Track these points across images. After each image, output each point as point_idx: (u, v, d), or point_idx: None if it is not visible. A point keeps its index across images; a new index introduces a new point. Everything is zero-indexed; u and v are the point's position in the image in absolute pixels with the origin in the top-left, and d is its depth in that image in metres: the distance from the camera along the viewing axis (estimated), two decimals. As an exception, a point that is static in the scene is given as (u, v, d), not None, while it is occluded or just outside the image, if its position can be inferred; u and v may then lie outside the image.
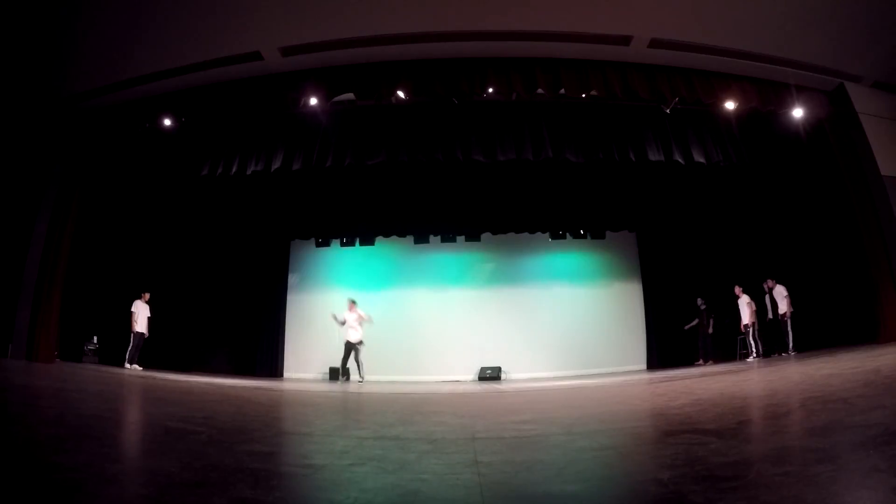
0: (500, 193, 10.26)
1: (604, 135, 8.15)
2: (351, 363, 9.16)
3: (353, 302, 9.28)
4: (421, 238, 11.49)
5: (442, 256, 11.54)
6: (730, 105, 7.72)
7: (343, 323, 9.06)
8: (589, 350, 10.65)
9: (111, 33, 6.59)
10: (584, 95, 7.84)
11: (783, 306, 8.66)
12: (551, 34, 6.91)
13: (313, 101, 7.61)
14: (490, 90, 7.60)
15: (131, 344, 8.51)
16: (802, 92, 7.77)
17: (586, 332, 10.86)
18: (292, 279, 11.70)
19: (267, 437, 2.69)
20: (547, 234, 11.36)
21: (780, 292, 8.77)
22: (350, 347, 8.99)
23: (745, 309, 9.16)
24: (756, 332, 9.20)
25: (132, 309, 8.72)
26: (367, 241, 11.51)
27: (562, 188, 10.20)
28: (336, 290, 11.59)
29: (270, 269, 11.53)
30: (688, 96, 7.60)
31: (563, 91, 7.53)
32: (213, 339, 10.94)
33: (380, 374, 10.31)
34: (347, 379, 9.49)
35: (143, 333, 8.65)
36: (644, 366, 10.70)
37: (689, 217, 10.71)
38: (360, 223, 10.93)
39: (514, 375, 10.40)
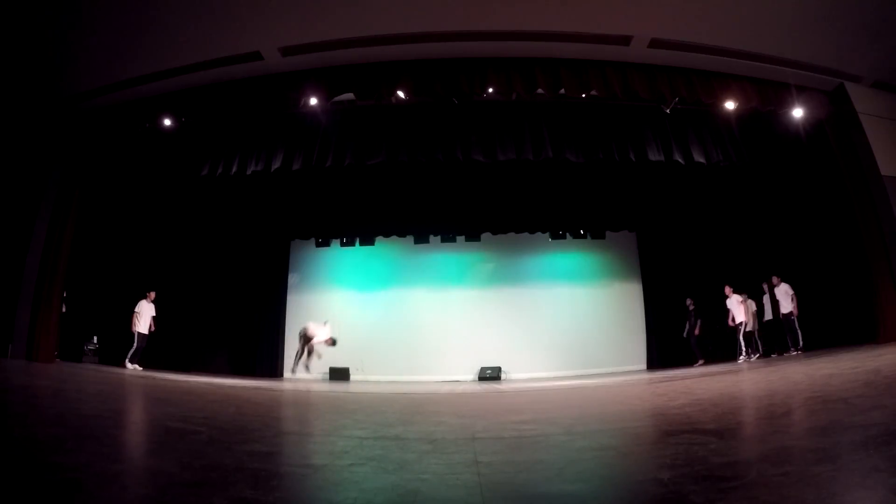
0: (500, 193, 10.26)
1: (604, 135, 8.15)
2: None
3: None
4: (421, 238, 11.49)
5: (442, 256, 11.54)
6: (730, 105, 7.72)
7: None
8: (589, 350, 10.65)
9: (111, 33, 6.58)
10: (584, 95, 7.83)
11: (788, 305, 8.60)
12: (551, 34, 6.91)
13: (313, 101, 7.61)
14: (490, 90, 7.59)
15: (135, 344, 8.47)
16: (802, 92, 7.77)
17: (586, 332, 10.86)
18: (292, 279, 11.70)
19: (267, 437, 2.69)
20: (547, 234, 11.36)
21: (785, 291, 8.70)
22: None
23: (737, 308, 9.14)
24: (757, 333, 9.19)
25: (136, 309, 8.68)
26: (367, 241, 11.51)
27: (562, 188, 10.20)
28: (336, 290, 11.61)
29: (270, 269, 11.52)
30: (688, 96, 7.60)
31: (563, 91, 7.52)
32: (213, 339, 10.93)
33: (380, 374, 10.32)
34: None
35: (144, 334, 8.61)
36: (644, 366, 10.70)
37: (689, 217, 10.71)
38: (360, 223, 10.94)
39: (514, 375, 10.40)
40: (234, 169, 8.18)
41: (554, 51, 7.23)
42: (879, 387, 3.11)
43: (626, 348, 10.86)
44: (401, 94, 7.50)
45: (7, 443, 2.01)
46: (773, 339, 9.20)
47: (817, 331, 8.48)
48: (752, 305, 9.33)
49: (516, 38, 6.97)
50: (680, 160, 8.08)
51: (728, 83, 7.66)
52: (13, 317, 7.18)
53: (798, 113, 7.88)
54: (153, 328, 8.76)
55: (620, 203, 10.61)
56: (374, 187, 10.07)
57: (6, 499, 1.34)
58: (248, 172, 8.16)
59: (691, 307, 10.11)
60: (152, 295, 8.94)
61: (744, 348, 8.91)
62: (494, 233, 11.09)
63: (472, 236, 11.31)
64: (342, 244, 11.65)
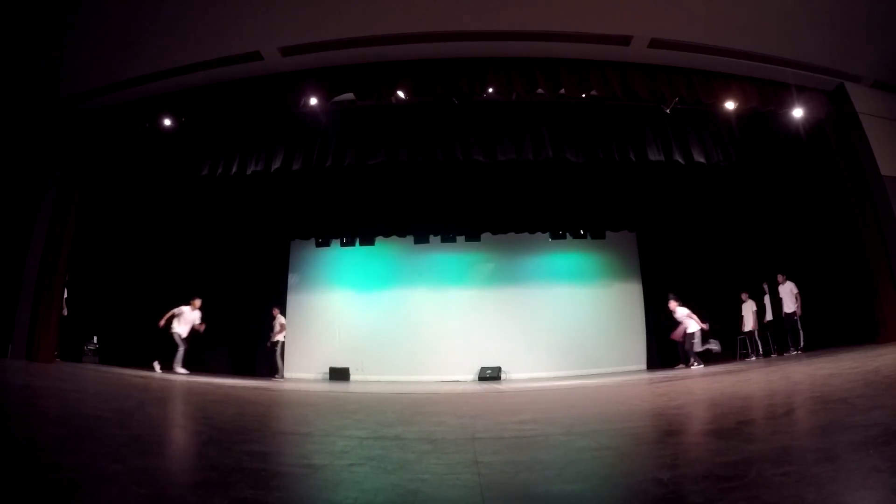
0: (500, 193, 10.26)
1: (604, 135, 8.15)
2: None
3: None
4: (421, 238, 11.49)
5: (442, 256, 11.54)
6: (730, 105, 7.72)
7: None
8: (589, 350, 10.65)
9: (111, 33, 6.58)
10: (583, 95, 7.83)
11: (792, 304, 8.59)
12: (551, 34, 6.91)
13: (313, 101, 7.61)
14: (490, 90, 7.59)
15: (180, 348, 8.55)
16: (802, 92, 7.77)
17: (586, 332, 10.86)
18: (292, 279, 11.69)
19: (267, 437, 2.69)
20: (547, 234, 11.35)
21: (790, 289, 8.68)
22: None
23: (750, 314, 9.18)
24: (757, 333, 9.21)
25: (174, 311, 8.65)
26: (367, 241, 11.51)
27: (562, 188, 10.20)
28: (336, 290, 11.61)
29: (270, 269, 11.52)
30: (688, 96, 7.60)
31: (563, 91, 7.52)
32: (213, 339, 10.92)
33: (380, 374, 10.32)
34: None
35: (185, 337, 8.59)
36: (644, 366, 10.70)
37: (689, 217, 10.71)
38: (360, 223, 10.94)
39: (514, 375, 10.40)
40: (234, 169, 8.18)
41: (554, 51, 7.23)
42: (879, 387, 3.11)
43: (626, 348, 10.85)
44: (401, 94, 7.51)
45: (7, 443, 2.01)
46: (773, 338, 9.20)
47: (818, 331, 8.48)
48: (753, 305, 9.34)
49: (516, 38, 6.97)
50: (680, 160, 8.08)
51: (728, 83, 7.66)
52: (13, 317, 7.18)
53: (798, 113, 7.88)
54: (197, 332, 8.76)
55: (620, 203, 10.61)
56: (374, 187, 10.07)
57: (6, 499, 1.34)
58: (248, 172, 8.16)
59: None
60: (198, 303, 8.92)
61: (754, 349, 9.01)
62: (494, 233, 11.09)
63: (472, 236, 11.31)
64: (342, 244, 11.65)
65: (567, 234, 11.41)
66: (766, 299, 9.25)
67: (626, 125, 8.18)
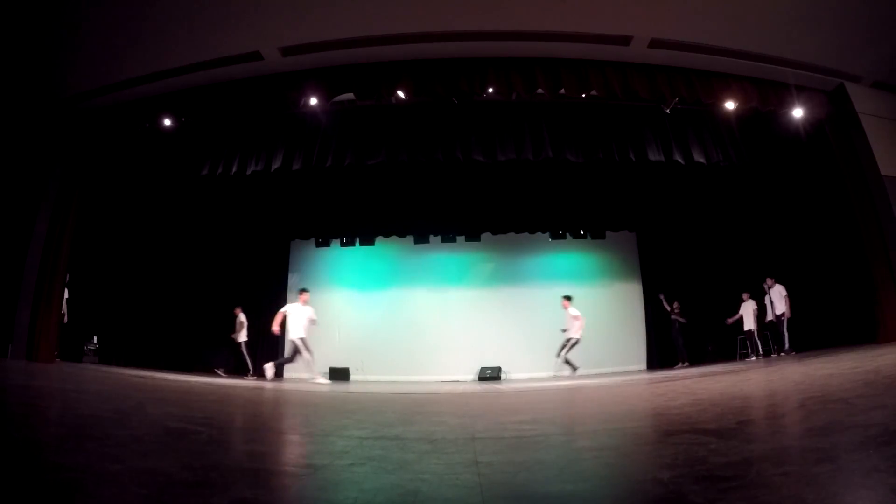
0: (500, 193, 10.26)
1: (604, 135, 8.15)
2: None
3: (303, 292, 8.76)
4: (421, 238, 11.49)
5: (442, 256, 11.54)
6: (730, 105, 7.72)
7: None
8: (589, 350, 10.62)
9: (111, 33, 6.58)
10: (584, 95, 7.83)
11: (781, 306, 8.66)
12: (551, 34, 6.91)
13: (313, 101, 7.61)
14: (490, 90, 7.59)
15: (307, 352, 8.52)
16: (802, 92, 7.77)
17: (586, 332, 10.84)
18: (292, 279, 11.69)
19: (267, 437, 2.69)
20: (547, 234, 11.36)
21: (779, 292, 8.77)
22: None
23: (751, 314, 9.20)
24: (757, 333, 9.22)
25: (284, 310, 8.56)
26: (367, 241, 11.52)
27: (562, 188, 10.20)
28: (336, 290, 11.61)
29: (270, 269, 11.53)
30: (688, 96, 7.60)
31: (563, 91, 7.52)
32: (213, 339, 10.92)
33: (380, 374, 10.32)
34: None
35: (304, 337, 8.41)
36: (644, 366, 10.71)
37: (689, 217, 10.72)
38: (359, 223, 10.94)
39: (514, 375, 10.41)
40: (234, 169, 8.18)
41: (554, 51, 7.23)
42: (879, 387, 3.11)
43: (626, 348, 10.86)
44: (401, 94, 7.51)
45: (7, 443, 2.01)
46: (770, 339, 9.24)
47: (817, 331, 8.48)
48: (753, 305, 9.35)
49: (516, 38, 6.97)
50: (680, 160, 8.08)
51: (728, 83, 7.67)
52: (13, 317, 7.18)
53: (798, 113, 7.89)
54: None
55: (620, 203, 10.62)
56: (374, 187, 10.07)
57: (6, 499, 1.34)
58: (248, 172, 8.17)
59: (676, 309, 10.15)
60: (306, 296, 8.58)
61: (754, 349, 9.02)
62: (494, 233, 11.09)
63: (472, 236, 11.31)
64: (342, 244, 11.66)
65: (567, 234, 11.42)
66: (767, 299, 9.27)
67: (626, 125, 8.18)
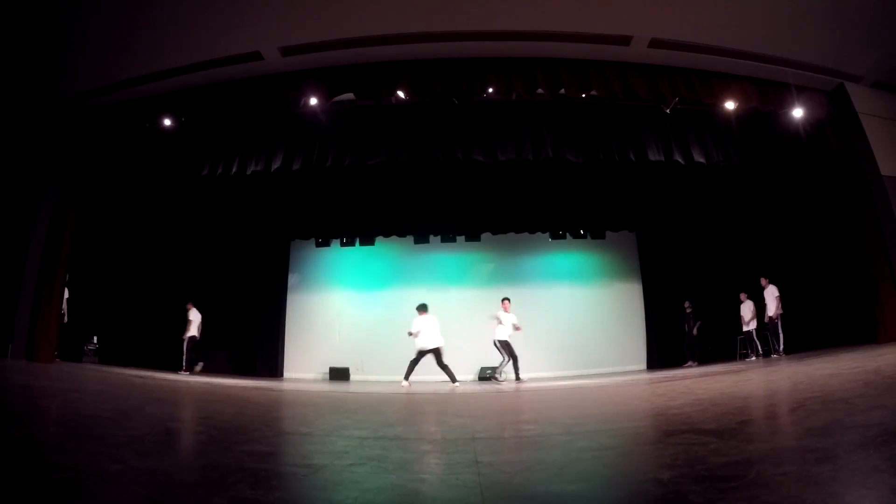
0: (500, 193, 10.26)
1: (604, 135, 8.15)
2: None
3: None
4: (421, 238, 11.49)
5: (442, 256, 11.53)
6: (730, 105, 7.72)
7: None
8: (589, 350, 10.65)
9: (111, 33, 6.58)
10: (584, 95, 7.83)
11: (773, 307, 8.68)
12: (551, 34, 6.90)
13: (313, 101, 7.61)
14: (490, 90, 7.59)
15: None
16: (802, 92, 7.77)
17: (586, 332, 10.86)
18: (292, 279, 11.69)
19: (267, 437, 2.69)
20: (547, 234, 11.36)
21: (771, 293, 8.79)
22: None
23: (748, 314, 9.21)
24: (756, 333, 9.22)
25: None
26: (367, 241, 11.52)
27: (562, 188, 10.20)
28: (336, 290, 11.61)
29: (270, 269, 11.53)
30: (688, 96, 7.60)
31: (563, 91, 7.52)
32: (213, 339, 10.93)
33: (380, 374, 10.32)
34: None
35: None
36: (644, 366, 10.70)
37: (689, 217, 10.72)
38: (360, 223, 10.94)
39: (514, 375, 10.39)
40: (234, 169, 8.18)
41: (554, 51, 7.23)
42: (879, 387, 3.11)
43: (626, 348, 10.86)
44: (401, 94, 7.51)
45: (7, 443, 2.01)
46: (765, 339, 9.26)
47: (817, 331, 8.48)
48: (753, 305, 9.35)
49: (516, 38, 6.97)
50: (680, 160, 8.08)
51: (728, 83, 7.67)
52: (13, 317, 7.18)
53: (798, 113, 7.88)
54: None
55: (620, 203, 10.61)
56: (374, 187, 10.07)
57: (6, 499, 1.34)
58: (248, 172, 8.16)
59: (689, 310, 10.15)
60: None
61: (754, 349, 9.03)
62: (494, 233, 11.09)
63: (472, 236, 11.31)
64: (342, 244, 11.65)
65: (567, 234, 11.41)
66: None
67: (626, 125, 8.18)
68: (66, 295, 8.10)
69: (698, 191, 10.03)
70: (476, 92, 7.53)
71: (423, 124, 8.13)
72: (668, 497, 1.43)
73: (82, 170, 8.15)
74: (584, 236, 11.49)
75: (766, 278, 8.96)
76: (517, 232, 11.00)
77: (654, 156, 8.02)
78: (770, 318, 8.74)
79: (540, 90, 7.54)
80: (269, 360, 10.96)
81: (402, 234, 11.20)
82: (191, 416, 3.34)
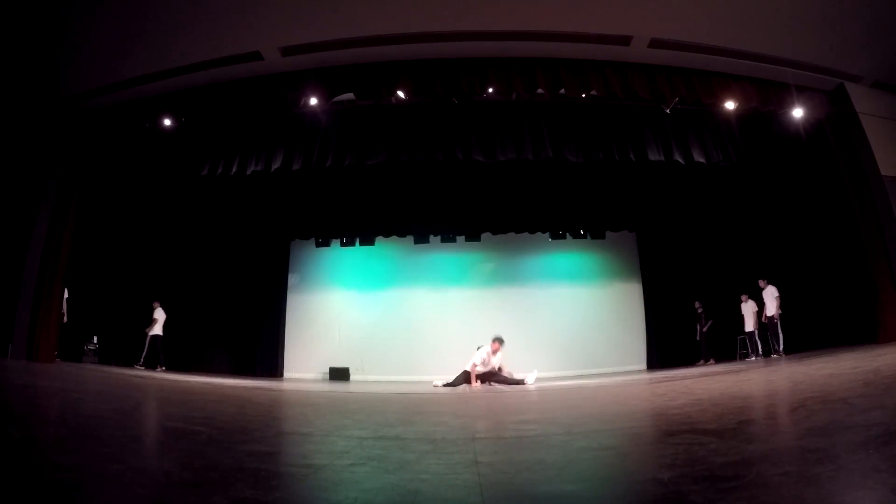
0: (500, 193, 10.26)
1: (604, 135, 8.15)
2: None
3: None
4: (421, 238, 11.49)
5: (442, 256, 11.54)
6: (730, 105, 7.72)
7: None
8: (589, 350, 10.65)
9: (111, 33, 6.58)
10: (584, 95, 7.84)
11: (771, 308, 8.68)
12: (551, 34, 6.91)
13: (313, 101, 7.61)
14: (490, 90, 7.60)
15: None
16: (802, 92, 7.78)
17: (586, 332, 10.86)
18: (292, 279, 11.70)
19: (267, 437, 2.69)
20: (547, 234, 11.36)
21: (770, 293, 8.78)
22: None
23: (749, 314, 9.22)
24: (757, 333, 9.23)
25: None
26: (367, 241, 11.52)
27: (562, 188, 10.20)
28: (336, 290, 11.61)
29: (270, 269, 11.53)
30: (688, 96, 7.60)
31: (563, 91, 7.53)
32: (213, 339, 10.94)
33: (380, 374, 10.33)
34: None
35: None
36: (644, 366, 10.71)
37: (689, 217, 10.72)
38: (360, 223, 10.94)
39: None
40: (234, 169, 8.18)
41: (554, 51, 7.24)
42: (879, 387, 3.11)
43: (626, 348, 10.86)
44: (401, 94, 7.51)
45: (7, 443, 2.01)
46: (765, 339, 9.27)
47: (817, 331, 8.48)
48: (754, 305, 9.35)
49: (516, 38, 6.98)
50: (680, 160, 8.09)
51: (728, 83, 7.67)
52: (13, 317, 7.18)
53: (798, 113, 7.89)
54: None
55: (620, 203, 10.62)
56: (374, 187, 10.07)
57: (6, 499, 1.34)
58: (248, 172, 8.17)
59: (700, 310, 10.15)
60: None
61: (753, 349, 9.03)
62: (494, 233, 11.09)
63: (472, 236, 11.31)
64: (342, 244, 11.66)
65: (567, 234, 11.42)
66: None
67: (626, 125, 8.19)
68: (66, 295, 8.10)
69: (698, 191, 10.03)
70: (476, 92, 7.53)
71: (423, 124, 8.14)
72: (668, 497, 1.43)
73: (82, 170, 8.15)
74: (584, 236, 11.49)
75: (764, 279, 8.97)
76: (517, 232, 11.00)
77: (654, 156, 8.03)
78: (769, 318, 8.74)
79: (540, 90, 7.55)
80: (268, 360, 10.96)
81: (402, 234, 11.21)
82: (191, 416, 3.33)
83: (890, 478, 1.42)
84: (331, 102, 7.79)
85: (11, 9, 6.02)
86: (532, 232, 11.10)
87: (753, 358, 8.96)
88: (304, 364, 11.01)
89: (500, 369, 7.66)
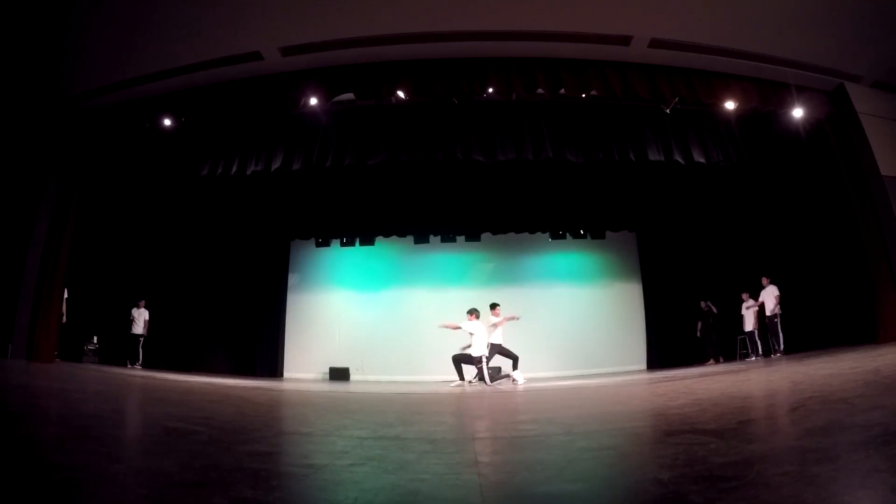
0: (500, 193, 10.26)
1: (604, 135, 8.15)
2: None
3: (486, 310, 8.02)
4: (421, 238, 11.49)
5: (442, 256, 11.53)
6: (730, 105, 7.72)
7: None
8: (589, 350, 10.65)
9: (111, 33, 6.58)
10: (584, 95, 7.84)
11: (771, 307, 8.67)
12: (551, 34, 6.91)
13: (313, 101, 7.61)
14: (490, 90, 7.60)
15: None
16: (802, 92, 7.77)
17: (586, 332, 10.85)
18: (292, 279, 11.70)
19: (267, 437, 2.69)
20: (547, 234, 11.36)
21: (770, 292, 8.78)
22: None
23: (750, 315, 9.21)
24: (757, 333, 9.23)
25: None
26: (367, 241, 11.52)
27: (562, 188, 10.20)
28: (336, 290, 11.61)
29: (270, 269, 11.53)
30: (688, 96, 7.60)
31: (563, 91, 7.53)
32: (213, 339, 10.94)
33: (380, 374, 10.32)
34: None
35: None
36: (644, 366, 10.70)
37: (689, 217, 10.72)
38: (359, 223, 10.95)
39: (514, 375, 10.38)
40: (234, 169, 8.18)
41: (554, 51, 7.23)
42: (879, 387, 3.11)
43: (626, 348, 10.86)
44: (401, 94, 7.51)
45: (7, 443, 2.01)
46: (765, 339, 9.26)
47: (817, 331, 8.48)
48: (754, 305, 9.34)
49: (516, 38, 6.97)
50: (680, 160, 8.08)
51: (728, 83, 7.66)
52: (13, 317, 7.18)
53: (798, 113, 7.88)
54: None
55: (620, 203, 10.62)
56: (374, 187, 10.07)
57: (6, 499, 1.34)
58: (248, 172, 8.17)
59: (706, 308, 10.12)
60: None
61: (752, 349, 9.02)
62: (494, 233, 11.09)
63: (472, 236, 11.31)
64: (342, 244, 11.66)
65: (567, 234, 11.42)
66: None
67: (626, 125, 8.18)
68: (66, 295, 8.10)
69: (698, 191, 10.03)
70: (476, 92, 7.53)
71: (423, 124, 8.13)
72: (668, 497, 1.43)
73: (82, 170, 8.15)
74: (584, 236, 11.49)
75: (767, 278, 8.95)
76: (517, 232, 11.00)
77: (654, 156, 8.03)
78: (768, 317, 8.73)
79: (540, 90, 7.55)
80: (268, 360, 10.96)
81: (402, 234, 11.21)
82: (191, 415, 3.33)
83: (890, 478, 1.42)
84: (331, 102, 7.79)
85: (12, 9, 6.02)
86: (532, 232, 11.10)
87: (753, 358, 8.96)
88: (304, 364, 11.01)
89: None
